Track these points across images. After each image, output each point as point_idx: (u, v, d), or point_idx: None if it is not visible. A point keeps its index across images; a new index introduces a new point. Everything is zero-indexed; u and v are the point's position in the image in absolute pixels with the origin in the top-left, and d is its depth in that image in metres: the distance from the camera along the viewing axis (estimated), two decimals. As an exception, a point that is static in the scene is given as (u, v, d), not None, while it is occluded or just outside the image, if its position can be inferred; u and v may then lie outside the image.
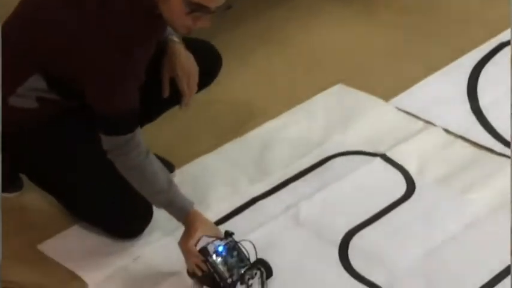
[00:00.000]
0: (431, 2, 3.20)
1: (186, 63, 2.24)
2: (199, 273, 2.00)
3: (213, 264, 1.97)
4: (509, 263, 2.13)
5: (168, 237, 2.23)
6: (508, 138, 2.55)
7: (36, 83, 2.04)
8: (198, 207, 2.28)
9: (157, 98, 2.26)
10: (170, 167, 2.44)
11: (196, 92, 2.30)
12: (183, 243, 2.04)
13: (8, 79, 1.97)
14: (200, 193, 2.40)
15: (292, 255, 2.17)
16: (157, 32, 2.05)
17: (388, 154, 2.52)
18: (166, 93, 2.25)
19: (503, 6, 3.12)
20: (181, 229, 2.06)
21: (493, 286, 2.09)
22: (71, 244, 2.25)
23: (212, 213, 2.31)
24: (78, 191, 2.20)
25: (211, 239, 2.03)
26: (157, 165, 2.06)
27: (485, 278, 2.11)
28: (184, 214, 2.06)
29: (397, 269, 2.14)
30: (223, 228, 2.22)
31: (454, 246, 2.21)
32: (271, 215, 2.32)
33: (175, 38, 2.22)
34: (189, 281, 2.07)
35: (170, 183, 2.06)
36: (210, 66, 2.36)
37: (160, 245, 2.24)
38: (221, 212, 2.34)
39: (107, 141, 2.01)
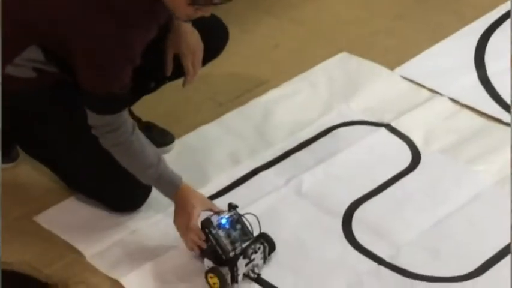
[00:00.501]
0: None
1: (191, 40, 2.22)
2: (198, 252, 2.00)
3: (216, 237, 1.97)
4: None
5: (166, 213, 2.21)
6: None
7: (33, 54, 2.04)
8: (198, 178, 2.34)
9: (160, 74, 2.25)
10: (170, 137, 2.44)
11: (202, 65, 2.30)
12: (181, 221, 2.03)
13: (6, 49, 1.97)
14: (200, 164, 2.41)
15: (294, 227, 2.18)
16: (157, 17, 2.02)
17: (393, 124, 2.52)
18: (169, 71, 2.24)
19: None
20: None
21: (500, 259, 2.10)
22: (67, 216, 2.24)
23: (212, 185, 2.33)
24: (77, 164, 2.19)
25: (211, 213, 2.03)
26: (145, 141, 2.05)
27: (492, 250, 2.11)
28: (174, 189, 2.06)
29: (401, 242, 2.15)
30: (223, 200, 2.25)
31: (460, 218, 2.22)
32: (272, 187, 2.32)
33: None
34: (188, 254, 2.07)
35: (158, 158, 2.06)
36: (216, 41, 2.35)
37: (158, 219, 2.24)
38: (221, 184, 2.35)
39: (93, 118, 2.01)
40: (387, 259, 2.09)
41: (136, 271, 2.08)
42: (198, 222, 2.03)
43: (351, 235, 2.17)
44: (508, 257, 2.10)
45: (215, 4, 1.85)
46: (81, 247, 2.12)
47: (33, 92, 2.08)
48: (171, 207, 2.13)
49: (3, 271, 0.51)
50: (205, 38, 2.23)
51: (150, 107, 2.51)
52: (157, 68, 2.23)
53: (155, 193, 2.19)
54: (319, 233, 2.18)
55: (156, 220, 2.23)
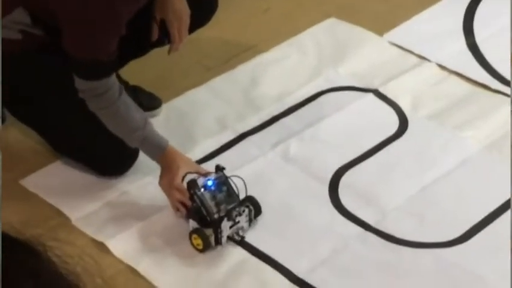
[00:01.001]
0: None
1: (178, 6, 2.20)
2: (183, 212, 2.02)
3: (201, 198, 1.98)
4: (503, 201, 2.16)
5: (154, 175, 2.20)
6: (505, 75, 2.54)
7: (20, 16, 2.05)
8: (185, 143, 2.35)
9: (145, 38, 2.24)
10: (157, 101, 2.45)
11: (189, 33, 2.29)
12: (166, 180, 2.05)
13: None
14: (187, 128, 2.42)
15: (281, 192, 2.19)
16: None
17: (381, 90, 2.52)
18: (155, 36, 2.23)
19: None
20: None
21: (486, 226, 2.12)
22: (53, 179, 2.25)
23: (199, 149, 2.34)
24: (64, 126, 2.20)
25: (197, 175, 2.03)
26: (131, 104, 2.07)
27: (478, 217, 2.13)
28: (160, 151, 2.08)
29: (387, 208, 2.16)
30: (211, 164, 2.25)
31: (447, 184, 2.23)
32: (259, 152, 2.33)
33: None
34: (175, 217, 2.09)
35: (145, 121, 2.07)
36: (204, 9, 2.33)
37: (146, 182, 2.24)
38: (209, 148, 2.35)
39: (80, 83, 2.02)
40: (373, 225, 2.10)
41: (122, 234, 2.09)
42: (184, 183, 2.04)
43: (337, 200, 2.18)
44: (493, 224, 2.11)
45: None
46: (66, 210, 2.13)
47: (19, 54, 2.08)
48: (159, 170, 2.14)
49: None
50: (193, 5, 2.21)
51: (137, 71, 2.50)
52: (143, 33, 2.22)
53: (143, 156, 2.20)
54: (306, 198, 2.19)
55: (144, 183, 2.24)
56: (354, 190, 2.20)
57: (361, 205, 2.16)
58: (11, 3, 2.03)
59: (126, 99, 2.06)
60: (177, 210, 2.06)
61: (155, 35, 2.22)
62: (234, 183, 2.04)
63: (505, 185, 2.19)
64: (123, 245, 2.07)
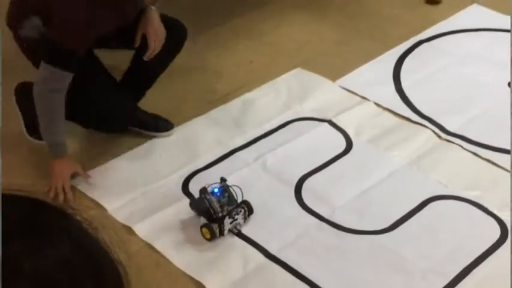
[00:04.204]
0: (368, 9, 3.17)
1: (157, 25, 2.20)
2: (63, 199, 2.04)
3: (209, 201, 1.96)
4: (420, 202, 2.16)
5: (167, 179, 2.20)
6: (422, 111, 2.53)
7: (36, 20, 2.05)
8: (190, 155, 2.32)
9: (131, 43, 2.23)
10: (171, 125, 2.41)
11: (171, 58, 2.31)
12: (57, 173, 2.07)
13: (16, 19, 2.09)
14: (192, 146, 2.38)
15: (260, 194, 2.16)
16: (123, 2, 2.07)
17: (333, 120, 2.50)
18: (137, 43, 2.22)
19: (421, 12, 3.14)
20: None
21: (409, 218, 2.12)
22: (96, 180, 2.21)
23: (201, 160, 2.31)
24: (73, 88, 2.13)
25: (207, 185, 2.00)
26: (62, 118, 2.05)
27: (401, 213, 2.13)
28: (57, 154, 2.09)
29: (336, 205, 2.15)
30: (210, 171, 2.25)
31: (380, 189, 2.22)
32: (244, 163, 2.31)
33: (153, 8, 2.19)
34: (188, 212, 2.05)
35: (63, 131, 2.07)
36: (176, 36, 2.29)
37: (160, 184, 2.20)
38: (208, 160, 2.33)
39: (42, 71, 1.99)
40: (326, 217, 2.10)
41: (145, 221, 2.06)
42: (68, 179, 2.08)
43: (300, 199, 2.17)
44: (412, 218, 2.10)
45: None
46: (104, 203, 2.11)
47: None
48: (173, 174, 2.13)
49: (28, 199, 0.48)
50: (168, 35, 2.20)
51: (157, 103, 2.48)
52: (130, 40, 2.22)
53: (157, 166, 2.17)
54: (278, 198, 2.17)
55: (160, 185, 2.21)
56: (312, 192, 2.19)
57: (317, 203, 2.14)
58: (25, 10, 2.07)
59: (62, 108, 2.02)
60: (54, 194, 2.04)
61: (137, 42, 2.21)
62: (234, 191, 2.01)
63: (421, 190, 2.19)
64: (147, 229, 2.03)
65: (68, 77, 1.99)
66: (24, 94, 2.26)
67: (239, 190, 2.03)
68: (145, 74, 2.34)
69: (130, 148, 2.34)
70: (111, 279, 0.54)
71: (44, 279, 0.49)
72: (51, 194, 2.04)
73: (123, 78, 2.36)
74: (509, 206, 2.12)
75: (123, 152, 2.32)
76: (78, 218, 0.55)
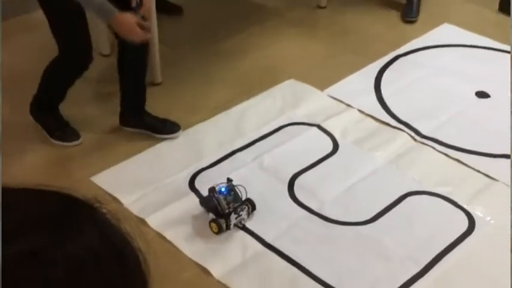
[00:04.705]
0: (351, 28, 3.16)
1: None
2: (140, 33, 1.94)
3: (218, 199, 1.94)
4: (398, 196, 2.15)
5: (176, 177, 2.17)
6: (399, 116, 2.52)
7: None
8: (196, 156, 2.30)
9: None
10: (178, 127, 2.38)
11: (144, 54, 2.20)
12: (126, 24, 1.92)
13: None
14: (198, 147, 2.36)
15: (258, 190, 2.13)
16: None
17: (322, 125, 2.48)
18: (133, 2, 2.07)
19: (399, 30, 3.13)
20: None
21: (388, 211, 2.11)
22: (114, 177, 2.19)
23: (206, 160, 2.30)
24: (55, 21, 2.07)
25: (215, 184, 1.98)
26: None
27: (382, 206, 2.12)
28: (113, 13, 1.90)
29: (324, 200, 2.15)
30: (213, 170, 2.23)
31: (363, 185, 2.21)
32: (243, 163, 2.29)
33: None
34: (198, 207, 2.04)
35: None
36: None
37: (167, 182, 2.18)
38: (211, 160, 2.30)
39: None
40: (316, 210, 2.09)
41: (157, 214, 2.04)
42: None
43: (293, 195, 2.15)
44: (391, 211, 2.10)
45: None
46: (120, 197, 2.09)
47: None
48: (181, 172, 2.09)
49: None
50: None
51: (168, 109, 2.47)
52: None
53: (169, 164, 2.14)
54: (273, 193, 2.16)
55: (169, 181, 2.19)
56: (303, 188, 2.18)
57: (308, 198, 2.14)
58: None
59: None
60: (144, 37, 1.94)
61: (133, 2, 2.07)
62: (238, 190, 2.00)
63: (399, 187, 2.18)
64: (158, 221, 2.01)
65: None
66: (35, 108, 2.26)
67: (243, 189, 2.01)
68: (130, 78, 2.27)
69: (142, 150, 2.33)
70: (133, 265, 0.53)
71: (74, 266, 0.48)
72: (139, 36, 1.94)
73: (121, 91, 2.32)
74: (476, 200, 2.13)
75: (136, 153, 2.31)
76: (103, 210, 0.55)
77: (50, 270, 0.47)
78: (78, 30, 2.08)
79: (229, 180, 2.00)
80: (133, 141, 2.36)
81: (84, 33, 2.11)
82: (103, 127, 2.42)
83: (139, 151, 2.31)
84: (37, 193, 0.53)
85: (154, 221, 2.02)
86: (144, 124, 2.34)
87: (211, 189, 1.96)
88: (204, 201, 2.01)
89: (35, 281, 0.46)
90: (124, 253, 0.53)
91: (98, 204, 0.55)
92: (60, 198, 0.54)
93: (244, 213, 1.98)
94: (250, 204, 2.01)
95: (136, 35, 1.96)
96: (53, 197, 0.53)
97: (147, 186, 2.15)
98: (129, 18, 1.93)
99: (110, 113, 2.42)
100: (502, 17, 3.17)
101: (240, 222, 1.98)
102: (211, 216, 1.97)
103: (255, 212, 2.04)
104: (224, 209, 1.93)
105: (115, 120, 2.39)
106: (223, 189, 1.96)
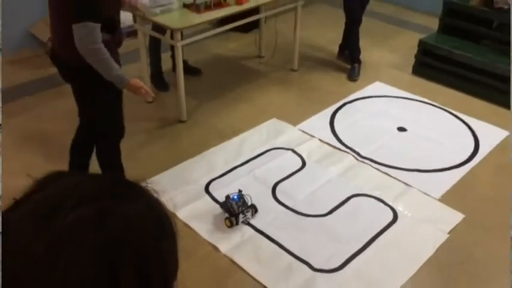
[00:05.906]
0: (314, 86, 3.10)
1: None
2: (147, 91, 1.73)
3: (231, 204, 1.94)
4: (346, 196, 2.15)
5: (194, 184, 2.16)
6: (347, 143, 2.52)
7: None
8: (208, 169, 2.28)
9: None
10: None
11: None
12: (137, 87, 1.69)
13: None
14: (210, 164, 2.35)
15: (252, 193, 2.12)
16: None
17: (295, 149, 2.48)
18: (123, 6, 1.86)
19: (346, 86, 3.12)
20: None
21: (341, 206, 2.10)
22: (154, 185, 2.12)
23: (215, 173, 2.26)
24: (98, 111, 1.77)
25: (234, 193, 1.97)
26: (110, 56, 1.59)
27: (337, 202, 2.13)
28: (127, 80, 1.66)
29: (297, 199, 2.14)
30: (221, 180, 2.20)
31: (323, 190, 2.21)
32: (242, 175, 2.28)
33: None
34: (215, 206, 2.02)
35: (119, 67, 1.65)
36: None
37: (190, 188, 2.16)
38: (220, 172, 2.29)
39: (77, 30, 1.50)
40: (291, 207, 2.09)
41: (186, 208, 2.02)
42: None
43: (275, 197, 2.15)
44: (343, 206, 2.09)
45: None
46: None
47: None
48: (199, 180, 2.09)
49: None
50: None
51: (190, 139, 2.44)
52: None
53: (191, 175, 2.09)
54: (263, 196, 2.14)
55: (191, 187, 2.16)
56: (282, 192, 2.17)
57: (285, 198, 2.13)
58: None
59: (107, 52, 1.56)
60: (148, 94, 1.71)
61: (123, 5, 1.87)
62: (246, 197, 1.99)
63: (346, 191, 2.18)
64: (185, 215, 1.99)
65: (97, 27, 1.51)
66: (103, 160, 1.86)
67: (249, 197, 2.00)
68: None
69: (169, 167, 2.28)
70: (168, 225, 0.52)
71: (131, 221, 0.47)
72: (143, 90, 1.70)
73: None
74: (398, 200, 2.16)
75: (165, 170, 2.27)
76: (147, 187, 0.53)
77: (112, 220, 0.46)
78: (120, 108, 1.79)
79: (239, 190, 2.01)
80: (158, 159, 2.28)
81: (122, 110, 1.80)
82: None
83: (167, 168, 2.26)
84: (101, 176, 0.52)
85: (182, 213, 2.02)
86: None
87: (227, 197, 1.95)
88: (222, 205, 2.00)
89: (100, 230, 0.45)
90: (162, 217, 0.51)
91: (144, 184, 0.53)
92: (112, 178, 0.52)
93: (249, 214, 1.98)
94: (254, 209, 2.00)
95: (144, 94, 1.74)
96: (106, 178, 0.51)
97: (176, 190, 2.15)
98: (138, 83, 1.71)
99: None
100: (414, 77, 3.26)
101: (246, 220, 1.97)
102: (226, 215, 1.97)
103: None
104: (235, 211, 1.93)
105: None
106: (235, 197, 1.96)
